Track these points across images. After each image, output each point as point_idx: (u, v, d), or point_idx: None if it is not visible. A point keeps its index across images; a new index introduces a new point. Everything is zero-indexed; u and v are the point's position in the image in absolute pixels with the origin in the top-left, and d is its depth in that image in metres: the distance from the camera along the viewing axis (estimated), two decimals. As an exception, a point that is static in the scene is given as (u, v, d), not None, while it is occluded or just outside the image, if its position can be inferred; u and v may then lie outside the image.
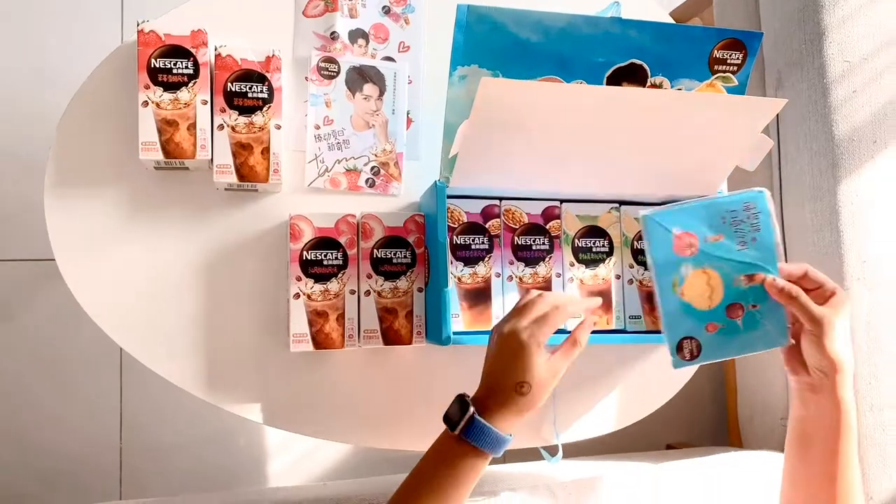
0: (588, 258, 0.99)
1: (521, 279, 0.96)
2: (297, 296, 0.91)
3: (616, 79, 0.86)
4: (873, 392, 1.11)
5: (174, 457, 1.57)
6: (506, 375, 0.74)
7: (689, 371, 1.10)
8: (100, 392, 1.56)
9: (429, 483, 0.72)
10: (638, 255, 1.00)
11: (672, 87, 0.88)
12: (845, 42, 1.16)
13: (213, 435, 1.59)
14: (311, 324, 0.91)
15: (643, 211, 0.81)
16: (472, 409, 0.73)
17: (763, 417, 1.30)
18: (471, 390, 0.76)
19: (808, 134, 1.18)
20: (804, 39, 1.19)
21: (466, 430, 0.72)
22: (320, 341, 0.92)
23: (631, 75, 0.87)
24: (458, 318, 0.93)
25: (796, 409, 0.80)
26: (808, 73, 1.18)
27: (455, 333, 0.89)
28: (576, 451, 1.08)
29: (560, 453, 1.01)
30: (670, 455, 1.34)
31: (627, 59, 0.86)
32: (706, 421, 1.71)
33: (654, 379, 1.09)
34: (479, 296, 0.94)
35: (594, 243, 0.99)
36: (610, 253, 0.99)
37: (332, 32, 0.98)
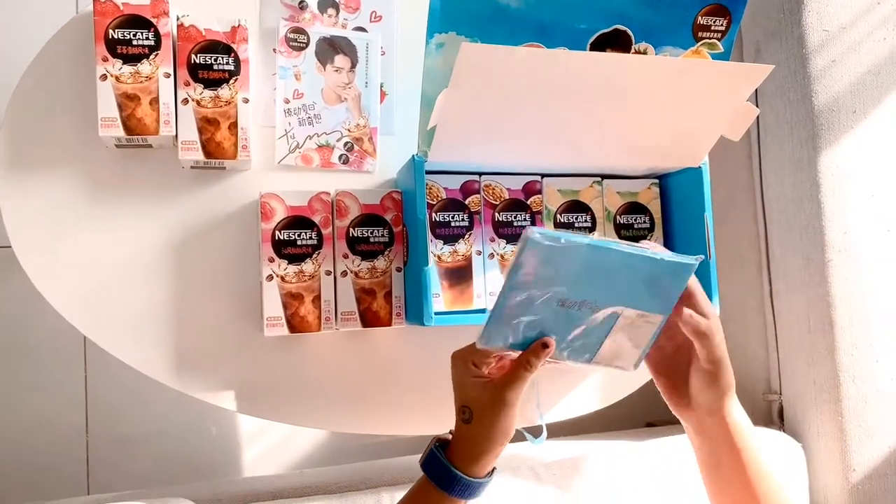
0: (570, 234, 0.96)
1: (502, 257, 0.93)
2: (269, 278, 0.87)
3: (599, 46, 0.83)
4: (855, 364, 1.11)
5: (144, 448, 1.53)
6: (454, 402, 0.69)
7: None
8: (64, 383, 1.50)
9: None
10: (621, 230, 0.98)
11: (657, 54, 0.86)
12: (824, 11, 1.14)
13: (184, 425, 1.55)
14: (285, 306, 0.88)
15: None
16: (434, 441, 0.68)
17: (743, 394, 1.29)
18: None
19: (788, 104, 1.16)
20: (782, 9, 1.17)
21: (424, 463, 0.68)
22: (295, 325, 0.88)
23: (615, 42, 0.84)
24: (439, 297, 0.90)
25: (694, 442, 0.76)
26: (786, 43, 1.16)
27: (436, 314, 0.85)
28: (555, 431, 1.06)
29: (544, 434, 0.99)
30: (652, 433, 1.33)
31: (611, 26, 0.83)
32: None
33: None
34: (459, 275, 0.91)
35: (576, 218, 0.96)
36: (592, 228, 0.97)
37: (301, 2, 0.94)
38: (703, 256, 0.68)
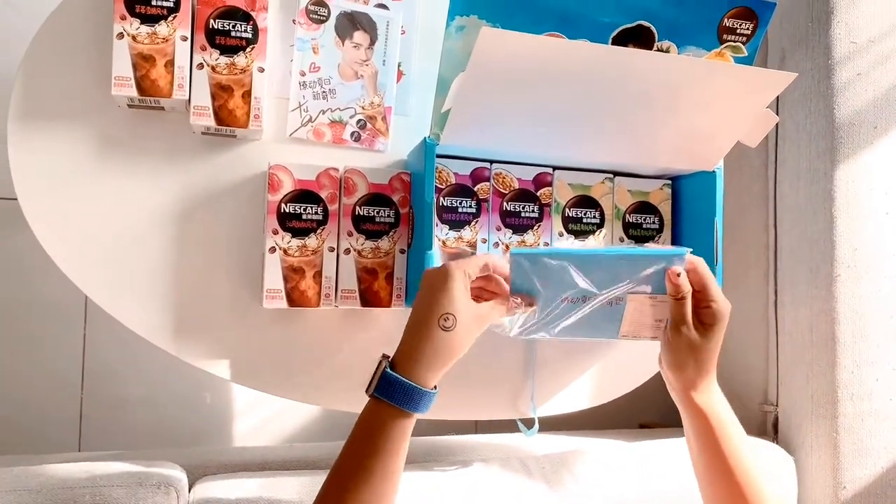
0: (578, 229, 0.95)
1: (507, 246, 0.92)
2: (272, 250, 0.87)
3: (622, 41, 0.82)
4: (855, 381, 1.10)
5: (137, 411, 1.53)
6: (429, 310, 0.69)
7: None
8: (63, 339, 1.51)
9: (355, 455, 0.67)
10: (629, 229, 0.97)
11: (679, 53, 0.84)
12: (853, 22, 1.13)
13: (179, 390, 1.55)
14: (286, 280, 0.87)
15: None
16: (382, 362, 0.69)
17: (740, 402, 1.29)
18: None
19: (809, 114, 1.14)
20: (811, 17, 1.15)
21: (378, 387, 0.67)
22: (295, 298, 0.88)
23: (637, 38, 0.82)
24: (441, 282, 0.89)
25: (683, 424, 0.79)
26: (813, 52, 1.15)
27: (436, 298, 0.85)
28: (548, 425, 1.06)
29: (536, 426, 0.99)
30: (644, 434, 1.33)
31: (635, 21, 0.82)
32: (681, 402, 1.70)
33: (634, 357, 1.06)
34: (463, 261, 0.90)
35: (585, 214, 0.95)
36: (601, 224, 0.96)
37: (324, -26, 0.93)
38: (689, 249, 0.75)
